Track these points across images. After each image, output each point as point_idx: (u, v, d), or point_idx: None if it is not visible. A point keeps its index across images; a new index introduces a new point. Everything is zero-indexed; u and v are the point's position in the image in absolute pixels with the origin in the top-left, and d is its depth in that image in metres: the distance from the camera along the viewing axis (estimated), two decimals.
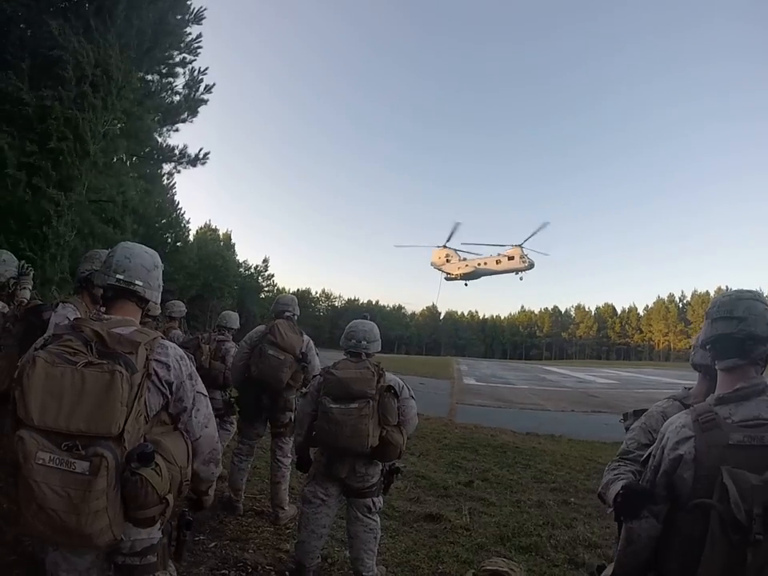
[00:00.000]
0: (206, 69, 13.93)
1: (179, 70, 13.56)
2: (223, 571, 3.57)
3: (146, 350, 1.80)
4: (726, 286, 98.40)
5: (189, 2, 12.90)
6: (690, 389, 2.34)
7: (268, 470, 5.17)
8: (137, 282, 1.99)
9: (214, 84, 14.09)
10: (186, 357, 1.99)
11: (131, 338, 1.79)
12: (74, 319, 1.88)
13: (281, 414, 4.92)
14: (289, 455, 4.89)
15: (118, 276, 1.97)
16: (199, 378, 2.03)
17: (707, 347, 1.81)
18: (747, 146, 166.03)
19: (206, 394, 2.05)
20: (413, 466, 7.10)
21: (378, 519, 3.60)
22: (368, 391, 3.31)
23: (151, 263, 2.07)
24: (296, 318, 5.13)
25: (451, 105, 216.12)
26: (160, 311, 6.00)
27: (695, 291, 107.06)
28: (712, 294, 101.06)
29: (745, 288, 1.81)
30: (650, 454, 1.79)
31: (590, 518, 5.50)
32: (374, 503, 3.52)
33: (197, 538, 4.02)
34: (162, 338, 1.94)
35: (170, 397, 1.87)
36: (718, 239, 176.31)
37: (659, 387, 26.83)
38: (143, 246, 2.12)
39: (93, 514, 1.56)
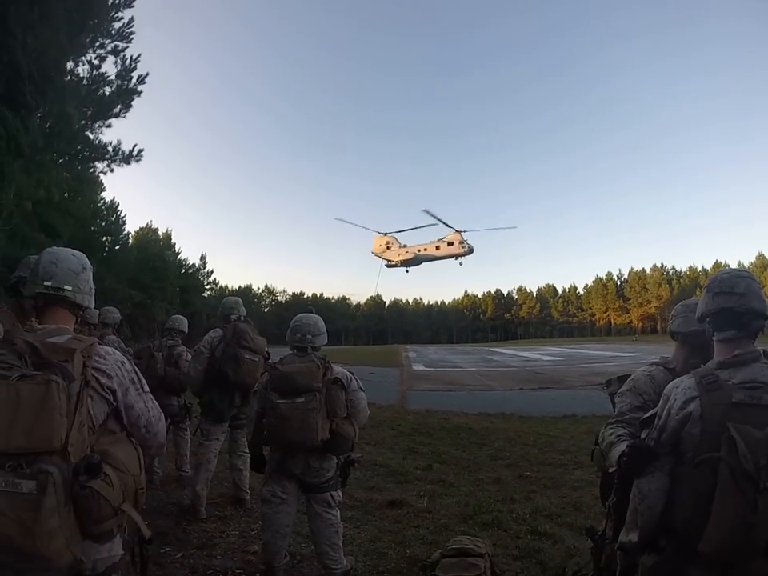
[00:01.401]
0: (139, 56, 13.07)
1: (111, 58, 12.64)
2: None
3: (83, 356, 1.71)
4: (662, 263, 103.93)
5: None
6: (667, 357, 2.52)
7: (225, 473, 5.20)
8: (66, 287, 1.91)
9: (147, 73, 13.23)
10: (126, 360, 1.94)
11: (66, 346, 1.70)
12: (5, 332, 1.79)
13: (246, 408, 4.97)
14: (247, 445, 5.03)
15: (45, 283, 1.88)
16: (141, 378, 1.99)
17: (707, 319, 1.94)
18: (682, 126, 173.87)
19: (149, 391, 2.02)
20: (369, 455, 7.13)
21: (338, 513, 3.58)
22: (314, 384, 3.31)
23: (79, 266, 1.98)
24: (242, 318, 5.27)
25: (392, 86, 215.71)
26: (118, 319, 5.92)
27: (632, 269, 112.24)
28: (648, 270, 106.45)
29: (735, 267, 1.96)
30: (653, 414, 1.90)
31: (547, 489, 5.69)
32: (332, 497, 3.51)
33: (162, 550, 3.92)
34: (99, 343, 1.87)
35: (115, 404, 1.81)
36: (652, 218, 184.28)
37: (603, 361, 28.12)
38: (69, 249, 2.03)
39: (48, 536, 1.47)
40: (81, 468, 1.55)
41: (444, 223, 47.87)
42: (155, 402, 2.04)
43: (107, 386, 1.78)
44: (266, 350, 5.11)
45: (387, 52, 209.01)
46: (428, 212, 46.42)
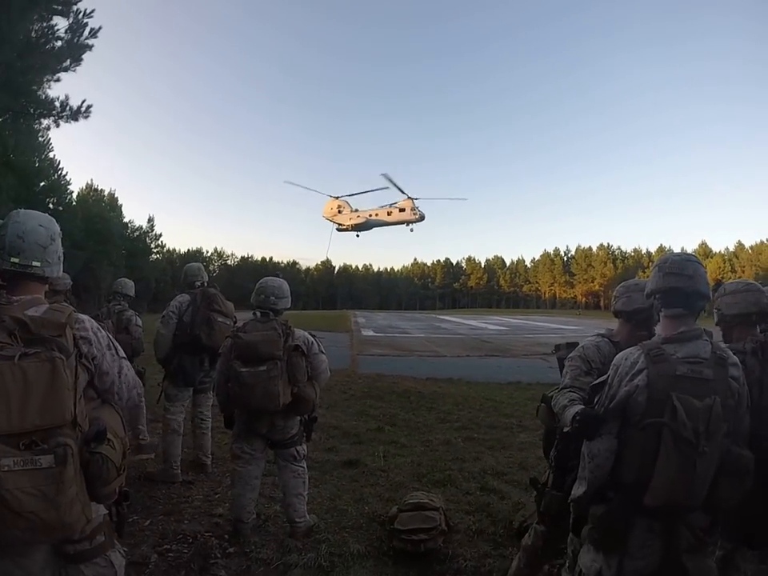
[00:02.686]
0: (92, 11, 12.21)
1: (62, 10, 11.77)
2: (165, 546, 3.54)
3: (72, 329, 1.75)
4: (608, 243, 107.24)
5: None
6: (612, 330, 2.78)
7: (185, 439, 5.17)
8: (34, 264, 1.83)
9: (100, 27, 12.13)
10: (100, 327, 1.95)
11: (55, 320, 1.70)
12: None
13: (211, 372, 5.09)
14: (210, 408, 5.23)
15: (12, 260, 1.79)
16: (116, 343, 2.00)
17: (657, 296, 2.11)
18: (637, 105, 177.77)
19: (126, 357, 2.05)
20: (323, 418, 7.21)
21: (305, 465, 3.81)
22: (275, 353, 3.44)
23: (47, 238, 1.87)
24: (206, 284, 5.33)
25: (353, 36, 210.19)
26: (69, 285, 5.59)
27: (579, 246, 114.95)
28: (594, 249, 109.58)
29: (682, 251, 2.17)
30: (603, 381, 2.10)
31: (494, 450, 6.01)
32: (297, 452, 3.75)
33: (131, 519, 3.89)
34: (74, 311, 1.85)
35: (93, 371, 1.85)
36: (602, 199, 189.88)
37: (547, 333, 29.11)
38: (36, 216, 1.91)
39: (69, 504, 1.55)
40: (91, 436, 1.65)
41: (399, 188, 47.65)
42: (131, 369, 2.05)
43: (88, 354, 1.82)
44: (234, 315, 5.18)
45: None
46: (386, 176, 46.09)
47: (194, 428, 5.27)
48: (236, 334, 3.55)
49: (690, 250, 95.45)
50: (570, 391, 2.41)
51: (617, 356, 2.12)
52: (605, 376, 2.11)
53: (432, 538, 3.47)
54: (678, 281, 2.02)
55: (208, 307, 4.94)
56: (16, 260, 1.79)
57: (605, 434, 1.97)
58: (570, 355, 2.64)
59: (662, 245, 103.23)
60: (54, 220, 1.99)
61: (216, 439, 4.68)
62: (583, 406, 2.17)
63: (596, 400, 2.11)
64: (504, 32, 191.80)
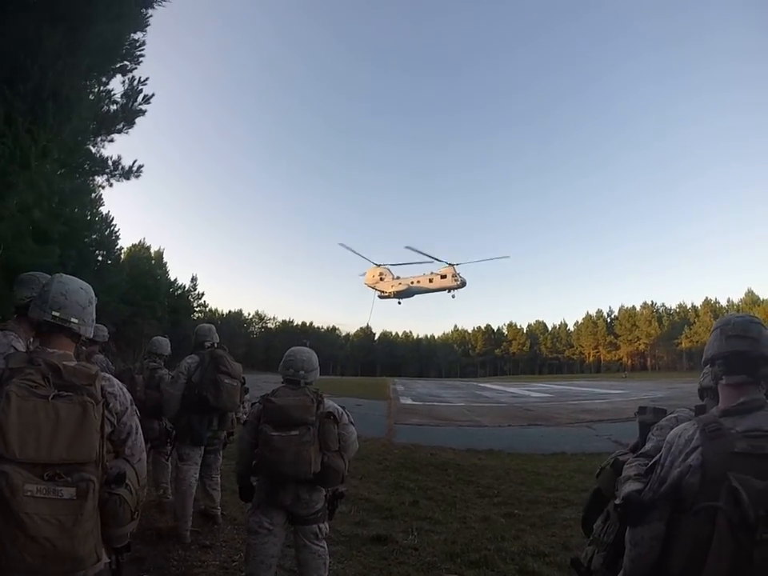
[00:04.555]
0: (146, 79, 13.19)
1: (118, 77, 12.80)
2: None
3: (100, 382, 1.91)
4: (652, 301, 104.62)
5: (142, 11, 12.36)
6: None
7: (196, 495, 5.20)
8: (72, 320, 2.02)
9: (153, 94, 13.25)
10: (123, 386, 2.11)
11: (86, 371, 1.88)
12: (30, 352, 1.94)
13: (220, 433, 5.35)
14: (219, 469, 5.52)
15: (54, 313, 1.99)
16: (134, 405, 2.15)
17: (717, 362, 1.90)
18: (667, 161, 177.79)
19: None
20: (355, 489, 7.01)
21: (326, 545, 3.59)
22: (308, 418, 3.37)
23: (86, 300, 2.10)
24: (216, 345, 5.43)
25: (385, 121, 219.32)
26: (106, 337, 6.04)
27: (622, 306, 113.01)
28: (638, 308, 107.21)
29: (745, 313, 2.01)
30: (655, 462, 1.87)
31: (536, 528, 5.59)
32: (320, 529, 3.54)
33: None
34: (100, 371, 2.01)
35: (116, 425, 1.99)
36: (641, 255, 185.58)
37: (592, 398, 28.03)
38: (78, 281, 2.14)
39: (84, 537, 1.67)
40: (112, 477, 1.81)
41: (430, 257, 48.45)
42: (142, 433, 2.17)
43: (113, 408, 1.98)
44: (242, 375, 5.33)
45: (382, 86, 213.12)
46: (411, 248, 47.12)
47: (204, 486, 5.35)
48: (267, 398, 3.48)
49: (736, 300, 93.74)
50: (638, 460, 2.14)
51: (670, 432, 1.90)
52: (657, 456, 1.89)
53: None
54: (742, 344, 1.82)
55: (216, 369, 5.03)
56: (57, 314, 1.99)
57: (652, 521, 1.74)
58: (661, 423, 2.30)
59: (707, 297, 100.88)
60: (91, 288, 2.20)
61: (240, 504, 4.55)
62: (640, 486, 1.92)
63: (646, 483, 1.87)
64: (538, 105, 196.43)
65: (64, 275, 2.14)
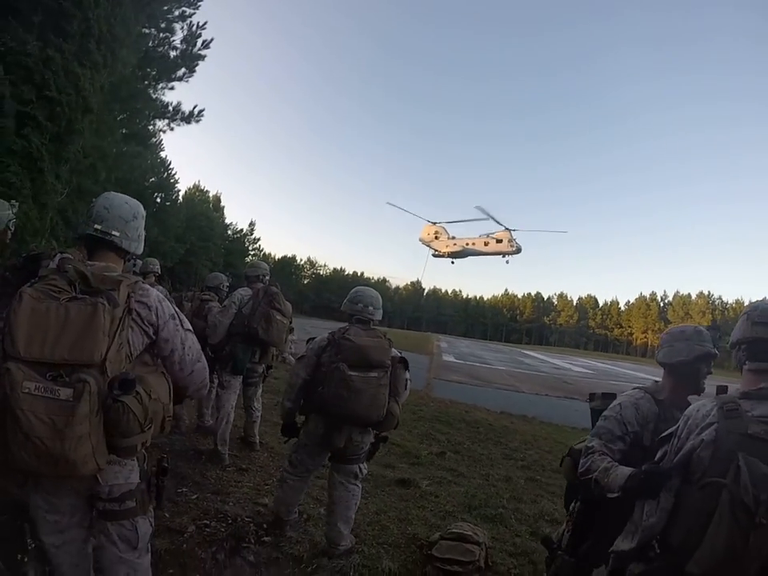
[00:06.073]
0: (205, 23, 13.29)
1: (177, 24, 12.95)
2: (204, 521, 3.68)
3: (129, 288, 1.86)
4: (709, 292, 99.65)
5: None
6: (658, 382, 2.52)
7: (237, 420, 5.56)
8: (113, 233, 2.02)
9: (212, 39, 13.49)
10: (166, 299, 2.06)
11: (114, 278, 1.85)
12: (59, 260, 1.89)
13: (259, 366, 5.46)
14: (260, 400, 5.73)
15: (96, 226, 2.01)
16: (183, 316, 2.11)
17: (742, 347, 1.93)
18: (737, 150, 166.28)
19: (192, 329, 2.14)
20: (398, 426, 7.25)
21: (360, 486, 3.66)
22: (386, 360, 3.35)
23: (130, 214, 2.09)
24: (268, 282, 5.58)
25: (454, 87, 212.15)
26: (157, 270, 6.19)
27: (677, 293, 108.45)
28: (694, 297, 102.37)
29: None
30: (670, 434, 1.93)
31: (555, 496, 5.69)
32: (360, 470, 3.57)
33: (180, 490, 4.16)
34: (143, 282, 2.00)
35: (154, 338, 1.95)
36: (705, 242, 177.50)
37: (633, 381, 27.27)
38: (124, 196, 2.13)
39: (76, 439, 1.61)
40: (116, 383, 1.70)
41: (496, 221, 47.54)
42: (197, 343, 2.14)
43: (147, 319, 1.92)
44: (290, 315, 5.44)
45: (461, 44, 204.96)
46: (481, 209, 46.07)
47: (246, 416, 5.66)
48: (344, 336, 3.34)
49: None
50: (604, 452, 2.25)
51: (689, 407, 1.94)
52: (674, 427, 1.94)
53: (466, 572, 3.37)
54: (767, 331, 1.84)
55: (269, 304, 5.08)
56: (98, 227, 2.01)
57: (665, 492, 1.82)
58: (606, 414, 2.41)
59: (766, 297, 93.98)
60: (141, 204, 2.20)
61: (277, 434, 4.82)
62: (632, 469, 2.02)
63: (661, 454, 1.95)
64: (621, 74, 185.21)
65: (111, 192, 2.14)
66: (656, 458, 1.97)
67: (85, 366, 1.67)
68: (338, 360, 3.26)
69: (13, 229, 4.02)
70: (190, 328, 2.13)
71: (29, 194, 9.19)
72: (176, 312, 2.07)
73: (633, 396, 2.44)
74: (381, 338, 3.41)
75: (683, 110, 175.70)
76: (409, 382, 3.64)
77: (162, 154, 31.64)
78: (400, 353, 3.61)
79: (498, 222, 48.29)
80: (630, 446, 2.31)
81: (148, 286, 2.01)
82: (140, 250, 2.17)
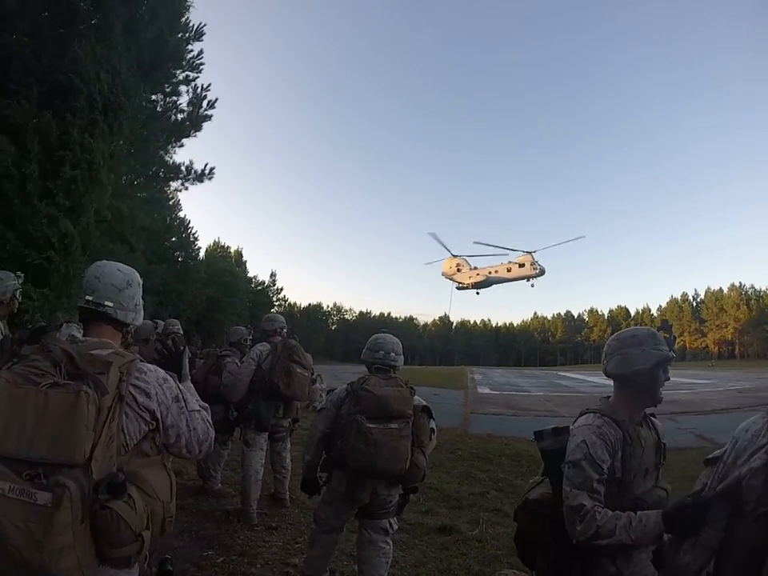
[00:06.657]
0: (209, 85, 14.06)
1: (182, 87, 13.68)
2: None
3: (121, 371, 1.65)
4: (740, 282, 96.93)
5: (188, 22, 13.00)
6: (608, 397, 2.24)
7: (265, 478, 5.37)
8: (106, 303, 1.86)
9: (216, 99, 14.21)
10: (169, 378, 1.86)
11: (104, 359, 1.64)
12: (43, 338, 1.71)
13: (284, 421, 5.36)
14: (289, 454, 5.56)
15: (87, 297, 1.86)
16: (188, 394, 1.91)
17: None
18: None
19: (199, 408, 1.93)
20: (425, 478, 6.99)
21: (391, 543, 3.47)
22: (407, 411, 3.22)
23: (123, 281, 1.92)
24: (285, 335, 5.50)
25: (465, 97, 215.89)
26: (154, 334, 5.97)
27: (708, 289, 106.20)
28: (725, 290, 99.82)
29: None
30: (717, 457, 1.69)
31: None
32: (390, 525, 3.40)
33: (205, 553, 4.04)
34: (141, 360, 1.79)
35: (154, 425, 1.74)
36: (728, 236, 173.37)
37: (676, 388, 26.41)
38: (116, 264, 1.99)
39: (57, 552, 1.40)
40: (102, 486, 1.49)
41: (502, 248, 48.10)
42: (205, 420, 1.94)
43: (144, 405, 1.70)
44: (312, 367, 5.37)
45: (467, 60, 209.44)
46: (480, 243, 47.02)
47: (275, 473, 5.47)
48: (363, 387, 3.22)
49: None
50: (596, 504, 1.90)
51: (738, 427, 1.67)
52: (720, 450, 1.68)
53: None
54: None
55: (288, 357, 5.02)
56: (90, 297, 1.86)
57: (707, 527, 1.57)
58: (572, 459, 2.01)
59: None
60: (135, 271, 2.04)
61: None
62: (656, 512, 1.77)
63: (699, 485, 1.70)
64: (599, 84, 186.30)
65: (103, 261, 1.99)
66: (696, 488, 1.72)
67: (66, 466, 1.44)
68: (356, 411, 3.15)
69: (20, 299, 4.03)
70: (194, 408, 1.91)
71: (63, 274, 9.43)
72: (179, 393, 1.86)
73: (592, 426, 2.07)
74: (402, 387, 3.28)
75: (703, 110, 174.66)
76: (434, 431, 3.49)
77: (181, 214, 32.70)
78: (423, 402, 3.46)
79: (508, 249, 48.83)
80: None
81: (147, 366, 1.80)
82: (139, 321, 2.01)
